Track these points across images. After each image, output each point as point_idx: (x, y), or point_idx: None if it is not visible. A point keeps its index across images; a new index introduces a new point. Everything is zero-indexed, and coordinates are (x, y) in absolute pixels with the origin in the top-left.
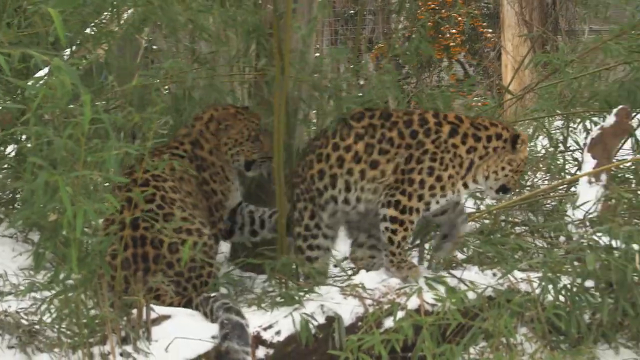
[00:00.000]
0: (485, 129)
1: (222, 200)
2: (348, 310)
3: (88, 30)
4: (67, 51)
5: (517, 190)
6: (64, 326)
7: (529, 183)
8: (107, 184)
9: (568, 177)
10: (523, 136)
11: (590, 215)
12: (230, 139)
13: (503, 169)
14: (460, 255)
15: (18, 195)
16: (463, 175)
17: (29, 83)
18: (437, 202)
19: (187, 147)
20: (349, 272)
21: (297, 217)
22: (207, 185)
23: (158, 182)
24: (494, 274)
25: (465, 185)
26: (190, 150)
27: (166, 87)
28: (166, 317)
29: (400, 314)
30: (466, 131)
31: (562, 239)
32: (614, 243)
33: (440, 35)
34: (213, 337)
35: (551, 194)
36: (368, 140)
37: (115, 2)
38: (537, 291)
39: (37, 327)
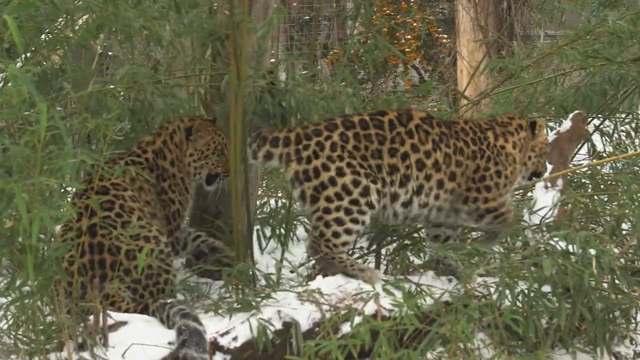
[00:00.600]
0: (510, 124)
1: (180, 210)
2: (305, 315)
3: (43, 37)
4: (21, 57)
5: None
6: (20, 333)
7: None
8: (63, 190)
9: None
10: (540, 122)
11: (547, 221)
12: (197, 151)
13: (530, 157)
14: (416, 261)
15: None
16: (516, 170)
17: None
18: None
19: (149, 156)
20: (306, 277)
21: (338, 191)
22: (165, 194)
23: (118, 190)
24: (450, 280)
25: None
26: (152, 159)
27: (122, 93)
28: (123, 323)
29: (357, 320)
30: (503, 131)
31: (519, 244)
32: (570, 248)
33: (395, 41)
34: (170, 343)
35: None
36: (445, 150)
37: (69, 8)
38: (495, 296)
39: None
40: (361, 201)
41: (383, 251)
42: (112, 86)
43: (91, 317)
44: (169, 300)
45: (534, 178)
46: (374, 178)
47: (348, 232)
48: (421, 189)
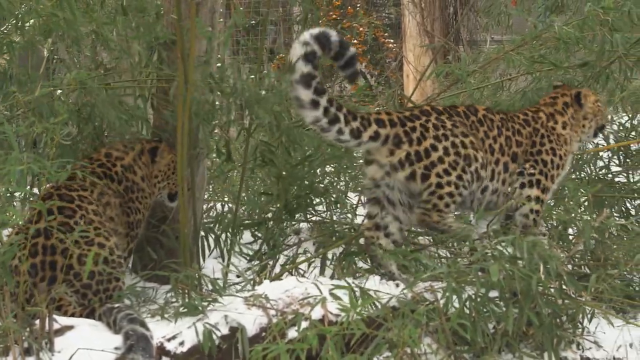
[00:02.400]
0: (556, 104)
1: (141, 220)
2: (251, 320)
3: None
4: None
5: None
6: None
7: None
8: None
9: None
10: (584, 91)
11: (494, 226)
12: (161, 172)
13: (583, 126)
14: (363, 265)
15: None
16: (570, 151)
17: None
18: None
19: (118, 170)
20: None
21: (447, 168)
22: (132, 203)
23: (83, 202)
24: (397, 285)
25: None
26: (120, 173)
27: (69, 97)
28: (69, 328)
29: (304, 324)
30: (551, 112)
31: (465, 249)
32: (518, 253)
33: None
34: (116, 348)
35: None
36: (506, 133)
37: (18, 13)
38: (442, 301)
39: None
40: (464, 177)
41: (330, 255)
42: (59, 90)
43: (37, 322)
44: (115, 305)
45: (599, 132)
46: (474, 156)
47: (455, 202)
48: (493, 175)
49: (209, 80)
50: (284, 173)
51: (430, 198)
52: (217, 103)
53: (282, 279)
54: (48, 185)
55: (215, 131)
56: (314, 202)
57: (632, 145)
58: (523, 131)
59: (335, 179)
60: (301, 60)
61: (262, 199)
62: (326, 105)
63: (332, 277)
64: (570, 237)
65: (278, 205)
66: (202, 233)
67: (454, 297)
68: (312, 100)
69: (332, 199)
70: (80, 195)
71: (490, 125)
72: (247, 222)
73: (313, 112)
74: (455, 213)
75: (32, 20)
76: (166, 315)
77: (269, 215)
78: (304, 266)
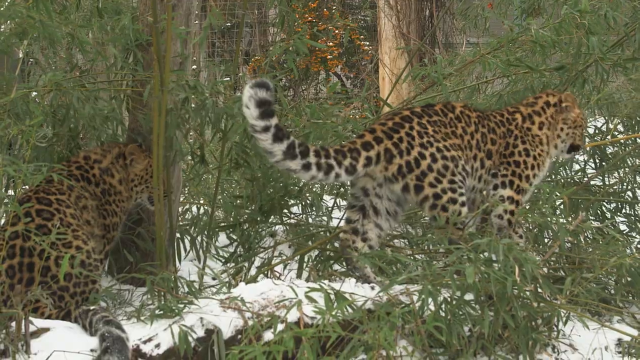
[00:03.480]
0: (535, 104)
1: (118, 223)
2: (227, 323)
3: None
4: None
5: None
6: None
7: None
8: None
9: None
10: (566, 96)
11: (470, 228)
12: (137, 175)
13: (562, 129)
14: (339, 268)
15: None
16: (546, 151)
17: None
18: (535, 180)
19: (96, 172)
20: (227, 285)
21: (437, 176)
22: (109, 205)
23: (61, 206)
24: (373, 287)
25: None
26: (98, 176)
27: (45, 99)
28: (45, 330)
29: (280, 327)
30: (529, 112)
31: (441, 251)
32: (493, 256)
33: (317, 49)
34: (92, 351)
35: None
36: (482, 130)
37: None
38: (417, 304)
39: None
40: (456, 179)
41: (305, 258)
42: (34, 92)
43: (13, 324)
44: (91, 307)
45: (573, 152)
46: (458, 156)
47: (463, 204)
48: (472, 171)
49: (183, 83)
50: (258, 175)
51: (435, 213)
52: (192, 105)
53: (257, 282)
54: (27, 188)
55: (190, 134)
56: (289, 204)
57: (607, 147)
58: (497, 130)
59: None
60: (275, 143)
61: (238, 201)
62: (316, 161)
63: (307, 280)
64: (546, 240)
65: (253, 207)
66: (178, 235)
67: (430, 299)
68: (303, 166)
69: (308, 201)
70: (58, 199)
71: (467, 121)
72: (222, 224)
73: (308, 174)
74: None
75: (8, 23)
76: (142, 318)
77: (245, 217)
78: (279, 269)
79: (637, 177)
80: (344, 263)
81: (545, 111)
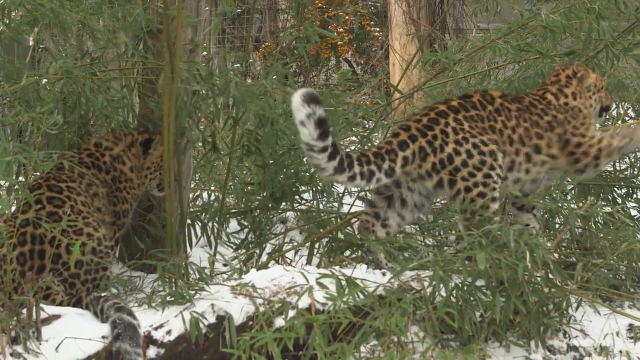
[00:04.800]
0: (558, 78)
1: (129, 210)
2: (238, 309)
3: None
4: None
5: None
6: None
7: None
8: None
9: None
10: (576, 66)
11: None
12: (154, 163)
13: (590, 97)
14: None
15: None
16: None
17: None
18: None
19: (107, 159)
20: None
21: (471, 171)
22: (120, 192)
23: (72, 193)
24: (384, 273)
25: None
26: (109, 163)
27: (55, 86)
28: (57, 317)
29: (291, 313)
30: (558, 89)
31: (452, 237)
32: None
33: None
34: (103, 337)
35: None
36: (524, 124)
37: (4, 3)
38: (428, 290)
39: None
40: (492, 173)
41: (316, 244)
42: (45, 80)
43: (24, 311)
44: (102, 294)
45: (604, 114)
46: (497, 150)
47: (493, 200)
48: (512, 165)
49: (195, 72)
50: (270, 162)
51: (464, 205)
52: (202, 92)
53: (269, 268)
54: (37, 175)
55: (202, 120)
56: (300, 190)
57: None
58: (541, 122)
59: None
60: (330, 162)
61: (248, 187)
62: (360, 170)
63: (318, 266)
64: (557, 226)
65: (264, 194)
66: (189, 221)
67: (441, 285)
68: (349, 178)
69: (318, 187)
70: (69, 187)
71: (507, 115)
72: (233, 211)
73: (353, 183)
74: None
75: (17, 10)
76: (153, 304)
77: (256, 204)
78: (290, 255)
79: None
80: (354, 249)
81: (570, 83)
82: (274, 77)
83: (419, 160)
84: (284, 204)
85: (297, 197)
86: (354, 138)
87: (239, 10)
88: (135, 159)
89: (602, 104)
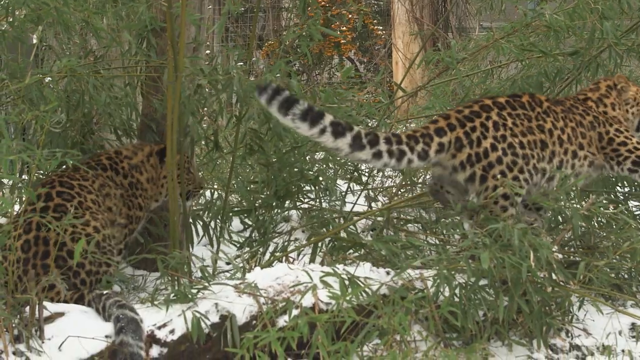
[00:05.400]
0: (598, 87)
1: (141, 217)
2: (242, 309)
3: None
4: None
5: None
6: None
7: (420, 180)
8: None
9: None
10: (617, 77)
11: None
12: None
13: (627, 111)
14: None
15: None
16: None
17: None
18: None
19: (125, 166)
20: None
21: (503, 170)
22: (135, 199)
23: (82, 191)
24: (388, 272)
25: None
26: (127, 169)
27: (60, 84)
28: (60, 315)
29: (294, 312)
30: (599, 97)
31: (455, 236)
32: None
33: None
34: (107, 336)
35: None
36: (570, 124)
37: (8, 2)
38: (432, 289)
39: None
40: (520, 177)
41: (319, 243)
42: (49, 78)
43: (27, 309)
44: (105, 292)
45: None
46: (531, 154)
47: (513, 205)
48: (561, 164)
49: (199, 70)
50: (273, 160)
51: (487, 202)
52: (206, 89)
53: (272, 267)
54: (41, 173)
55: (205, 118)
56: (304, 189)
57: None
58: (584, 121)
59: (324, 166)
60: (338, 139)
61: (252, 186)
62: (387, 148)
63: (322, 264)
64: (560, 227)
65: (268, 192)
66: (191, 220)
67: (445, 285)
68: (374, 155)
69: (322, 186)
70: (81, 184)
71: (555, 116)
72: (237, 209)
73: (380, 162)
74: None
75: (22, 10)
76: (156, 303)
77: (259, 202)
78: (293, 254)
79: None
80: (357, 248)
81: (610, 94)
82: (277, 75)
83: (453, 150)
84: (287, 202)
85: (300, 195)
86: None
87: (242, 9)
88: (153, 170)
89: None
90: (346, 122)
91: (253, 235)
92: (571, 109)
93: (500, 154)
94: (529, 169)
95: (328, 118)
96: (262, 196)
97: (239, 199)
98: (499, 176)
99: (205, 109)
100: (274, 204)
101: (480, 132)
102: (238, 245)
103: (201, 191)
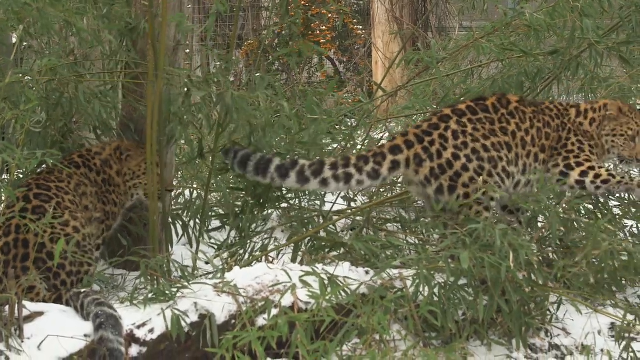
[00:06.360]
0: (593, 104)
1: (117, 213)
2: (221, 308)
3: None
4: None
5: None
6: None
7: (400, 180)
8: None
9: None
10: (611, 104)
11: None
12: (130, 170)
13: (607, 134)
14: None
15: None
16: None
17: None
18: None
19: (97, 162)
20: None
21: (472, 176)
22: (109, 194)
23: (59, 192)
24: (367, 272)
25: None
26: (100, 166)
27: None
28: (39, 314)
29: (274, 312)
30: (585, 109)
31: (435, 236)
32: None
33: (310, 32)
34: (86, 335)
35: None
36: (537, 125)
37: None
38: (411, 289)
39: None
40: (491, 181)
41: (299, 243)
42: (29, 78)
43: (7, 308)
44: (82, 290)
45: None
46: (498, 157)
47: (487, 209)
48: (525, 167)
49: (187, 79)
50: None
51: (460, 209)
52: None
53: (251, 266)
54: (29, 177)
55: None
56: (285, 193)
57: None
58: (552, 123)
59: None
60: (284, 180)
61: (228, 191)
62: (332, 174)
63: (301, 264)
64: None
65: (246, 198)
66: (170, 220)
67: (424, 284)
68: (320, 183)
69: None
70: (57, 186)
71: (522, 117)
72: (216, 214)
73: (330, 187)
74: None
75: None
76: (135, 302)
77: (239, 203)
78: (273, 253)
79: None
80: (335, 248)
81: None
82: (257, 74)
83: (414, 166)
84: (266, 207)
85: (281, 199)
86: (337, 136)
87: (218, 8)
88: (119, 165)
89: (620, 152)
90: (291, 160)
91: (232, 234)
92: (544, 110)
93: (464, 161)
94: (499, 172)
95: (274, 164)
96: (241, 198)
97: (219, 198)
98: (469, 183)
99: (194, 116)
100: (252, 210)
101: (440, 144)
102: (218, 246)
103: (172, 192)
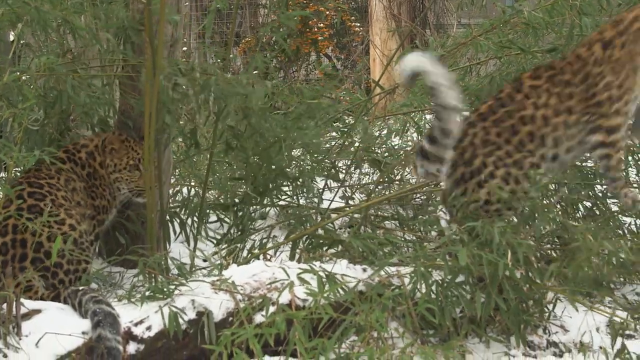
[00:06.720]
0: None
1: (107, 207)
2: (218, 305)
3: None
4: None
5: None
6: None
7: (398, 177)
8: None
9: None
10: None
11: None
12: (112, 162)
13: None
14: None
15: None
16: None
17: None
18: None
19: (83, 155)
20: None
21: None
22: (97, 188)
23: (52, 189)
24: (365, 269)
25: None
26: (84, 159)
27: (38, 82)
28: (37, 311)
29: (271, 309)
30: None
31: (433, 233)
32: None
33: (308, 30)
34: (84, 333)
35: (422, 189)
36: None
37: None
38: (409, 286)
39: None
40: (517, 188)
41: (297, 240)
42: (26, 76)
43: (4, 306)
44: (80, 288)
45: None
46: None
47: (501, 215)
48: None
49: (177, 70)
50: (253, 157)
51: (479, 212)
52: (183, 87)
53: (249, 264)
54: (18, 175)
55: (183, 115)
56: (282, 187)
57: None
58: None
59: (301, 162)
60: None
61: (229, 183)
62: None
63: (299, 261)
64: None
65: (246, 189)
66: (168, 217)
67: (422, 281)
68: None
69: (299, 182)
70: (49, 183)
71: (535, 93)
72: (215, 203)
73: None
74: None
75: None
76: (133, 300)
77: (238, 198)
78: (271, 250)
79: (629, 157)
80: (333, 245)
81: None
82: (255, 72)
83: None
84: (265, 199)
85: (278, 193)
86: (334, 133)
87: (218, 5)
88: (103, 156)
89: None
90: None
91: (232, 230)
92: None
93: (492, 168)
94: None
95: None
96: (240, 191)
97: (216, 196)
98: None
99: (182, 107)
100: (252, 200)
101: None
102: (215, 242)
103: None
